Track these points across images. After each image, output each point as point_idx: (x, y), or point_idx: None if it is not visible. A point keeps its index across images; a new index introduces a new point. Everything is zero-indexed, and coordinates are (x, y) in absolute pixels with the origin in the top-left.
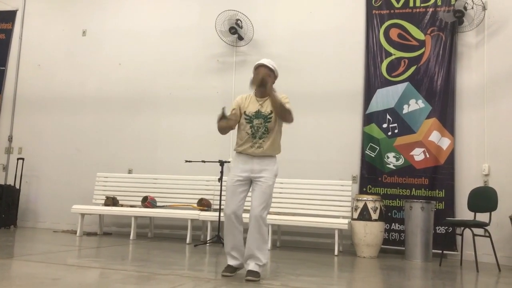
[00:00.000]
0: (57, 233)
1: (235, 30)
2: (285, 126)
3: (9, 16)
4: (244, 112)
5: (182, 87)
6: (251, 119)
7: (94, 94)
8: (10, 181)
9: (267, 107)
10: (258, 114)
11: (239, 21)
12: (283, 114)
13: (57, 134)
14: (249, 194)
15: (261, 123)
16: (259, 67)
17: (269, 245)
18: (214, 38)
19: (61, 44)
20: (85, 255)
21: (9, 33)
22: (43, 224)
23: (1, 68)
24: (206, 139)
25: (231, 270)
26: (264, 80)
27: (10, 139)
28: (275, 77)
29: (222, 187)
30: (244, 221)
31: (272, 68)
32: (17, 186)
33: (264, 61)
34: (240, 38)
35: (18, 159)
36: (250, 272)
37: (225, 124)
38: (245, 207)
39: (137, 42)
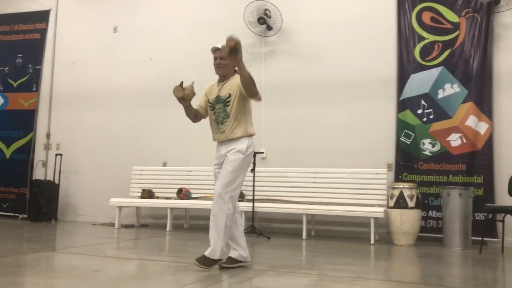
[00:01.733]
0: (96, 226)
1: (264, 20)
2: (318, 115)
3: (43, 16)
4: (208, 99)
5: (212, 79)
6: (213, 106)
7: (127, 89)
8: (50, 177)
9: (224, 90)
10: (217, 99)
11: (267, 11)
12: (249, 86)
13: (92, 129)
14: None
15: (220, 107)
16: (215, 50)
17: (304, 235)
18: (243, 29)
19: (93, 41)
20: (123, 247)
21: (43, 32)
22: (83, 218)
23: (37, 67)
24: None
25: (230, 261)
26: (237, 46)
27: (48, 135)
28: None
29: (255, 177)
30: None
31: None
32: (57, 181)
33: (221, 45)
34: (269, 28)
35: (56, 155)
36: (200, 257)
37: (188, 112)
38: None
39: (167, 36)
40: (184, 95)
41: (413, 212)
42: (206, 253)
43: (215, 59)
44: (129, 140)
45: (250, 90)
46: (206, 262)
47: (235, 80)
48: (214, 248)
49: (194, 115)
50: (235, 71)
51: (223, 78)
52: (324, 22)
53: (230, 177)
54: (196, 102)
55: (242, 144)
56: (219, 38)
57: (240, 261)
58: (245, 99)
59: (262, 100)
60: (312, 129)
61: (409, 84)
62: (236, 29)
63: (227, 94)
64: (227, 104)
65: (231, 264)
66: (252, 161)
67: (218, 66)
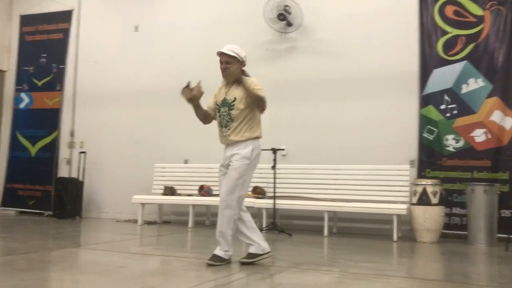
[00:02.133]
0: (119, 223)
1: (284, 17)
2: (339, 111)
3: (66, 16)
4: (216, 101)
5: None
6: (219, 108)
7: (148, 88)
8: (74, 174)
9: (230, 94)
10: (224, 103)
11: (287, 7)
12: (256, 102)
13: (115, 127)
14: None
15: (225, 111)
16: (221, 55)
17: (325, 232)
18: (263, 26)
19: (115, 40)
20: (146, 243)
21: (66, 32)
22: (106, 214)
23: (61, 66)
24: None
25: (249, 256)
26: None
27: (72, 134)
28: (239, 61)
29: (276, 174)
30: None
31: (233, 54)
32: (81, 179)
33: (225, 49)
34: (289, 24)
35: (80, 152)
36: (212, 256)
37: (198, 112)
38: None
39: (187, 34)
40: (192, 96)
41: (436, 209)
42: (218, 253)
43: (221, 63)
44: (150, 138)
45: (260, 105)
46: (218, 259)
47: (242, 84)
48: (227, 249)
49: (204, 116)
50: (243, 74)
51: (230, 81)
52: (345, 17)
53: (236, 184)
54: (206, 103)
55: (247, 148)
56: (240, 35)
57: (259, 254)
58: (248, 103)
59: (282, 96)
60: (333, 126)
61: (431, 79)
62: (256, 26)
63: (232, 98)
64: (232, 107)
65: (251, 259)
66: (258, 162)
67: (224, 71)
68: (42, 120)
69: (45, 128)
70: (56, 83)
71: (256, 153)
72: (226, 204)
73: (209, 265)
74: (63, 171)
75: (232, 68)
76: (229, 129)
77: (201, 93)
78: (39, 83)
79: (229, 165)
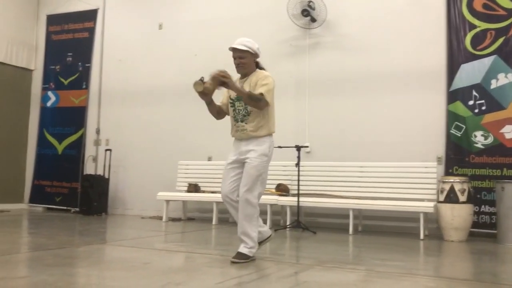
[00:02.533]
0: (144, 219)
1: (308, 13)
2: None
3: (91, 15)
4: (230, 96)
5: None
6: (233, 102)
7: (172, 86)
8: (100, 171)
9: (245, 88)
10: (239, 97)
11: (311, 3)
12: (252, 103)
13: (139, 125)
14: None
15: (241, 105)
16: (233, 50)
17: (350, 230)
18: (286, 22)
19: (140, 38)
20: (171, 240)
21: (92, 31)
22: (131, 211)
23: (87, 65)
24: (282, 124)
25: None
26: (225, 79)
27: (97, 131)
28: (252, 54)
29: (300, 172)
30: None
31: (246, 48)
32: (106, 176)
33: (237, 43)
34: (313, 20)
35: (106, 150)
36: (236, 254)
37: (211, 108)
38: None
39: (211, 31)
40: (204, 89)
41: (464, 207)
42: (242, 250)
43: (234, 58)
44: (174, 135)
45: (256, 106)
46: (243, 256)
47: (256, 77)
48: (252, 245)
49: (217, 112)
50: (257, 66)
51: (245, 75)
52: (370, 12)
53: (256, 181)
54: (219, 99)
55: (264, 145)
56: (263, 31)
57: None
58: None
59: (306, 93)
60: (358, 122)
61: (459, 74)
62: (280, 22)
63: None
64: None
65: (241, 260)
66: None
67: (238, 66)
68: (68, 118)
69: (72, 126)
70: (82, 81)
71: (272, 149)
72: (248, 202)
73: (233, 262)
74: (89, 169)
75: (246, 62)
76: (246, 123)
77: (214, 87)
78: (66, 82)
79: (245, 161)
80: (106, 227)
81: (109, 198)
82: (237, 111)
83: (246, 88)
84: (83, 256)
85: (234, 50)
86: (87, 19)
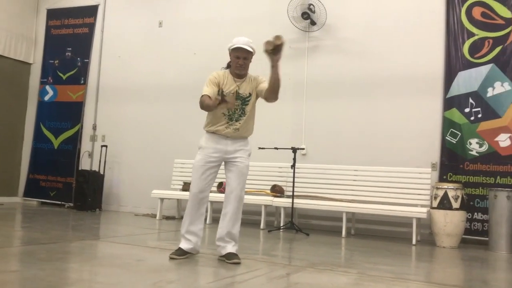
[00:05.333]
0: (138, 217)
1: (308, 15)
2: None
3: (91, 11)
4: (222, 90)
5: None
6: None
7: (170, 84)
8: (95, 167)
9: (245, 89)
10: (237, 96)
11: (311, 6)
12: (277, 89)
13: (136, 122)
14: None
15: (238, 104)
16: (242, 50)
17: (343, 233)
18: (286, 24)
19: (139, 35)
20: (165, 237)
21: (91, 27)
22: (125, 208)
23: (86, 60)
24: (278, 126)
25: (180, 253)
26: (282, 46)
27: (94, 127)
28: (252, 55)
29: (295, 174)
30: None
31: (252, 50)
32: (102, 172)
33: (244, 44)
34: (313, 23)
35: (102, 146)
36: (233, 255)
37: (217, 105)
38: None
39: (211, 31)
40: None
41: (457, 214)
42: (235, 251)
43: (238, 58)
44: (171, 133)
45: (277, 93)
46: (239, 256)
47: (252, 77)
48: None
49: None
50: None
51: (242, 76)
52: (369, 16)
53: (245, 180)
54: (206, 91)
55: (249, 145)
56: (263, 32)
57: (190, 254)
58: (256, 100)
59: (304, 95)
60: (354, 126)
61: (456, 81)
62: (280, 24)
63: (247, 93)
64: (247, 103)
65: (181, 256)
66: None
67: (241, 66)
68: (65, 113)
69: (69, 121)
70: (80, 77)
71: None
72: (242, 201)
73: (238, 263)
74: (84, 164)
75: (249, 63)
76: (239, 123)
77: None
78: (64, 77)
79: (231, 160)
80: (100, 223)
81: (103, 194)
82: (233, 109)
83: (247, 88)
84: (75, 252)
85: (242, 50)
86: (87, 15)
